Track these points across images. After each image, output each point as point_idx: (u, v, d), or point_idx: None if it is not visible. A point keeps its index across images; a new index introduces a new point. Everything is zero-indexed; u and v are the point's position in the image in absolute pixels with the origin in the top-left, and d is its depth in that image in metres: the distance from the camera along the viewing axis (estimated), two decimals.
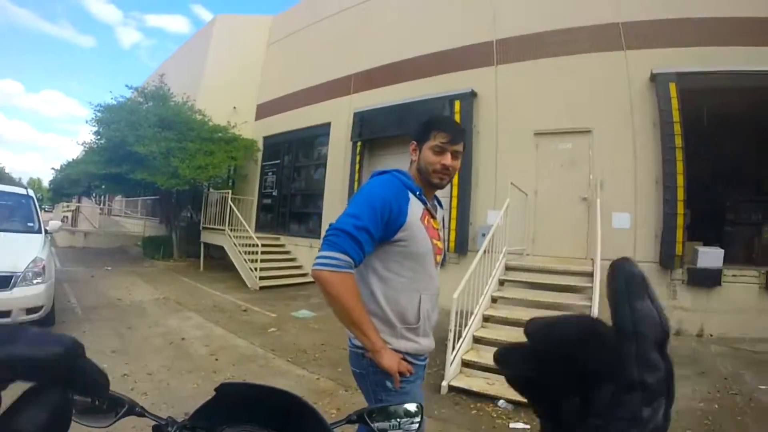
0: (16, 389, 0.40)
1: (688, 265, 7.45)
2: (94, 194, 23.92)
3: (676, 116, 7.52)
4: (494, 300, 6.47)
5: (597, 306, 4.96)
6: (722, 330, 7.08)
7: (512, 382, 0.40)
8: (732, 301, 7.15)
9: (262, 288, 10.64)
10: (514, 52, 9.34)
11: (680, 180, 7.42)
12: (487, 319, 6.00)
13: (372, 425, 1.02)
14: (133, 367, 5.19)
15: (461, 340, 5.31)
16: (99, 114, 12.63)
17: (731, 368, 5.72)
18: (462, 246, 8.93)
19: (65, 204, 29.12)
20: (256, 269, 10.90)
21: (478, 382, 4.94)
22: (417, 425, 1.06)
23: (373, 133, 11.15)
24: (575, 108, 8.51)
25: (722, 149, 10.74)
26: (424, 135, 1.90)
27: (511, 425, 4.16)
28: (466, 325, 5.51)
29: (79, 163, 14.79)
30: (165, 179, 11.94)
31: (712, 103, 8.96)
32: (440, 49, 10.53)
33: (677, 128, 7.49)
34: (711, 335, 7.09)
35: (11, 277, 5.66)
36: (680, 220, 7.37)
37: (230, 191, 12.66)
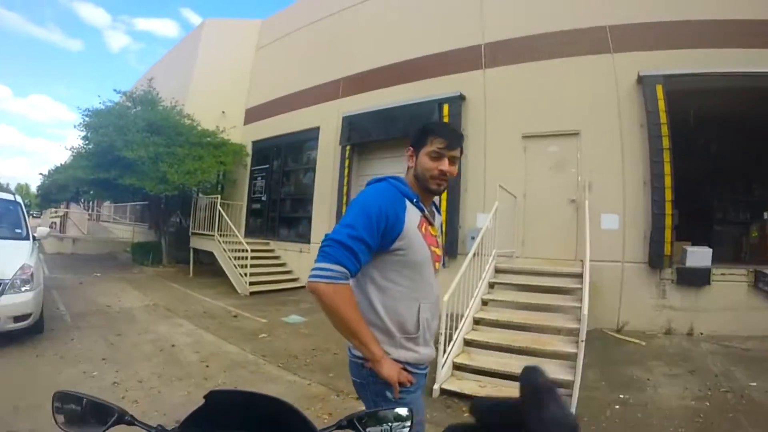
0: None
1: (677, 264, 7.51)
2: (82, 200, 23.79)
3: (663, 118, 7.58)
4: (485, 303, 6.48)
5: (587, 307, 4.97)
6: (712, 328, 7.13)
7: None
8: (721, 299, 7.22)
9: (252, 293, 10.60)
10: (503, 55, 9.38)
11: (668, 181, 7.48)
12: (477, 322, 6.01)
13: (363, 431, 1.02)
14: (123, 374, 5.16)
15: (452, 343, 5.32)
16: (87, 119, 12.53)
17: (722, 366, 5.76)
18: (452, 249, 8.93)
19: (53, 210, 28.88)
20: (245, 275, 10.86)
21: (469, 385, 4.95)
22: (407, 429, 1.06)
23: (362, 137, 11.14)
24: (563, 110, 8.55)
25: (709, 150, 10.87)
26: (421, 141, 1.89)
27: None
28: (456, 329, 5.52)
29: (67, 168, 14.66)
30: (154, 184, 11.87)
31: (698, 105, 9.07)
32: (429, 52, 10.55)
33: (664, 129, 7.55)
34: (701, 334, 7.13)
35: None
36: (668, 221, 7.43)
37: (219, 196, 12.66)
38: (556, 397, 0.39)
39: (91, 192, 16.45)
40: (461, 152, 1.91)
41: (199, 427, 1.01)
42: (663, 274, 7.52)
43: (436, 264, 1.93)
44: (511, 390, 4.76)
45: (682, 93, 7.94)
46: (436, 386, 4.85)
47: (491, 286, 6.92)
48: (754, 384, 5.13)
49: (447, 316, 5.10)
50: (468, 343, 5.62)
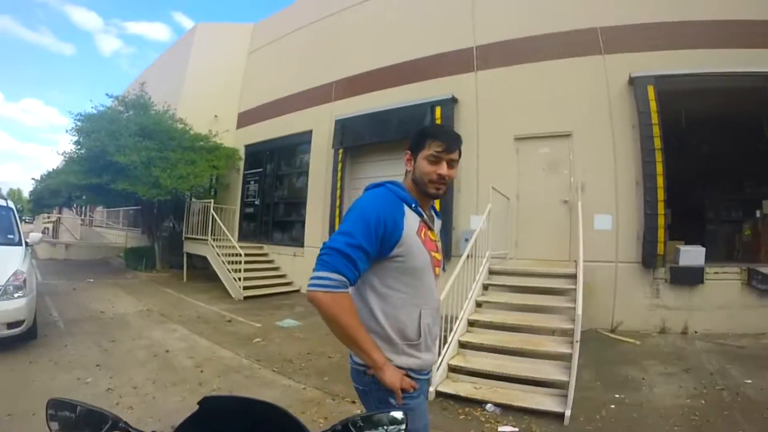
0: None
1: (670, 264, 7.55)
2: (75, 205, 23.64)
3: (654, 118, 7.62)
4: (479, 304, 6.48)
5: (580, 307, 4.98)
6: (706, 327, 7.17)
7: None
8: (715, 298, 7.27)
9: (246, 298, 10.58)
10: (494, 57, 9.41)
11: (660, 181, 7.52)
12: (472, 323, 6.02)
13: None
14: (118, 381, 5.14)
15: (447, 345, 5.33)
16: (79, 123, 12.49)
17: (717, 364, 5.79)
18: (445, 251, 8.90)
19: (46, 215, 28.74)
20: (239, 279, 10.84)
21: (465, 387, 4.95)
22: None
23: (355, 140, 11.14)
24: (555, 112, 8.58)
25: (701, 149, 10.95)
26: (419, 144, 1.86)
27: (500, 429, 4.17)
28: (451, 331, 5.52)
29: (60, 173, 14.57)
30: (146, 189, 11.82)
31: (690, 105, 9.13)
32: (421, 55, 10.57)
33: (656, 130, 7.59)
34: (695, 332, 7.17)
35: None
36: (661, 220, 7.47)
37: (212, 200, 12.61)
38: None
39: (84, 197, 16.32)
40: (459, 155, 1.89)
41: None
42: (656, 273, 7.56)
43: (437, 269, 1.92)
44: (505, 391, 4.79)
45: (673, 93, 7.99)
46: (431, 389, 4.83)
47: (485, 287, 6.93)
48: (749, 381, 5.15)
49: (442, 318, 5.09)
50: (463, 345, 5.63)
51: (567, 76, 8.57)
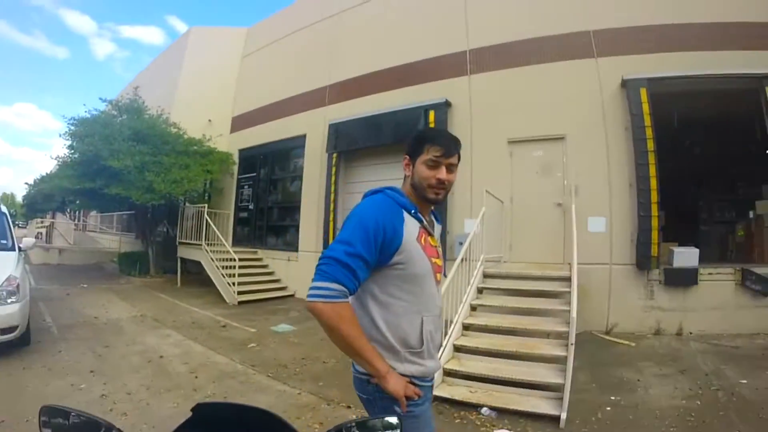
0: None
1: (664, 265, 7.58)
2: (68, 210, 23.55)
3: (647, 120, 7.66)
4: (473, 308, 6.49)
5: (575, 310, 4.99)
6: (701, 327, 7.19)
7: None
8: (709, 298, 7.29)
9: (240, 303, 10.55)
10: (488, 61, 9.43)
11: (653, 183, 7.55)
12: (467, 327, 6.01)
13: None
14: (112, 387, 5.12)
15: (442, 349, 5.31)
16: (72, 127, 12.41)
17: (712, 365, 5.81)
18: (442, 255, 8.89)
19: (39, 220, 28.59)
20: (234, 284, 10.80)
21: (460, 391, 4.94)
22: None
23: (349, 144, 11.13)
24: (548, 115, 8.61)
25: (694, 151, 11.00)
26: (417, 149, 1.83)
27: None
28: (446, 335, 5.51)
29: (53, 177, 14.53)
30: (140, 194, 11.77)
31: (682, 107, 9.18)
32: (414, 59, 10.59)
33: (649, 132, 7.62)
34: (690, 333, 7.19)
35: None
36: (655, 222, 7.50)
37: (206, 205, 12.58)
38: None
39: (77, 202, 16.30)
40: (459, 159, 1.86)
41: None
42: (651, 275, 7.58)
43: (438, 275, 1.89)
44: (501, 395, 4.78)
45: (666, 96, 8.04)
46: None
47: (480, 291, 6.92)
48: (744, 381, 5.17)
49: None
50: (458, 348, 5.62)
51: (560, 79, 8.59)
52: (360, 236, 1.63)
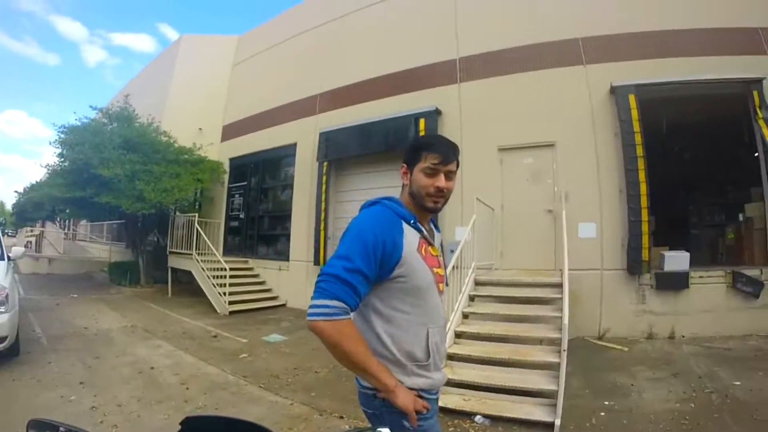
0: None
1: (655, 269, 7.61)
2: (58, 218, 23.39)
3: (636, 126, 7.71)
4: (465, 316, 6.48)
5: (567, 316, 5.00)
6: (693, 330, 7.23)
7: None
8: (701, 301, 7.33)
9: (231, 313, 10.49)
10: (477, 69, 9.48)
11: (643, 188, 7.59)
12: (459, 335, 6.01)
13: None
14: (102, 398, 5.07)
15: None
16: (62, 135, 12.33)
17: (705, 367, 5.83)
18: None
19: (29, 229, 28.39)
20: (225, 294, 10.75)
21: (453, 399, 4.93)
22: None
23: (339, 152, 11.12)
24: (538, 122, 8.66)
25: (683, 155, 11.09)
26: (414, 157, 1.79)
27: None
28: None
29: (43, 186, 14.41)
30: (130, 203, 11.70)
31: (671, 112, 9.26)
32: (404, 68, 10.63)
33: (638, 138, 7.68)
34: (683, 336, 7.23)
35: None
36: (645, 227, 7.54)
37: (197, 214, 12.55)
38: None
39: (67, 210, 16.20)
40: (457, 165, 1.83)
41: None
42: (642, 279, 7.61)
43: (440, 285, 1.85)
44: (494, 402, 4.78)
45: (654, 101, 8.10)
46: None
47: (471, 298, 6.92)
48: (738, 383, 5.19)
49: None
50: (450, 357, 5.60)
51: (549, 86, 8.65)
52: (359, 251, 1.59)
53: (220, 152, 15.29)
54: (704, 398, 4.88)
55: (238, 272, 11.98)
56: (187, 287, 13.17)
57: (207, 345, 7.82)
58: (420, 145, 1.82)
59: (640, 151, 7.65)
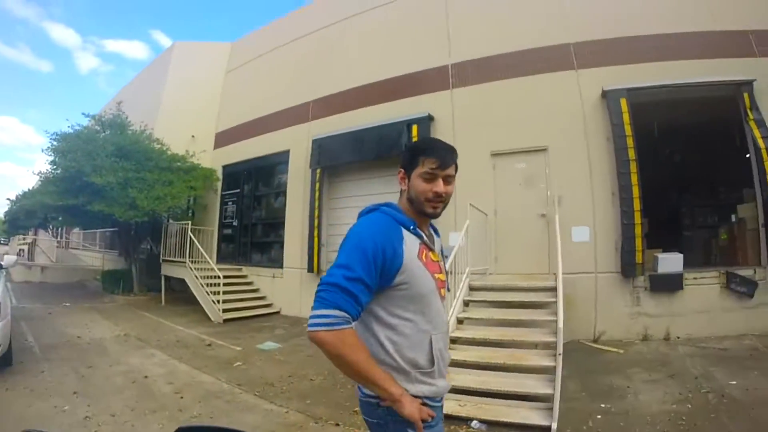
0: None
1: (649, 272, 7.63)
2: (51, 226, 23.26)
3: (628, 130, 7.75)
4: (460, 321, 6.48)
5: (561, 320, 5.00)
6: (688, 331, 7.25)
7: None
8: (695, 302, 7.36)
9: (225, 321, 10.45)
10: (469, 75, 9.52)
11: (636, 191, 7.63)
12: (454, 341, 5.99)
13: None
14: (96, 408, 5.02)
15: None
16: (55, 143, 12.25)
17: (701, 368, 5.83)
18: None
19: (21, 237, 28.20)
20: (218, 302, 10.70)
21: (449, 405, 4.90)
22: None
23: (332, 159, 11.11)
24: (530, 127, 8.69)
25: (675, 158, 11.13)
26: (412, 162, 1.76)
27: None
28: None
29: (35, 193, 14.28)
30: (123, 211, 11.65)
31: (662, 116, 9.32)
32: (397, 74, 10.65)
33: (630, 141, 7.72)
34: (678, 337, 7.24)
35: None
36: (638, 230, 7.57)
37: (190, 222, 12.48)
38: None
39: (60, 218, 16.11)
40: (456, 169, 1.78)
41: None
42: (636, 282, 7.63)
43: (442, 291, 1.82)
44: (491, 407, 4.76)
45: (646, 105, 8.16)
46: None
47: (466, 304, 6.91)
48: (734, 382, 5.20)
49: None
50: None
51: (541, 91, 8.69)
52: (359, 259, 1.56)
53: (213, 159, 15.25)
54: (701, 399, 4.88)
55: (231, 280, 11.95)
56: (180, 295, 13.09)
57: (201, 353, 7.77)
58: (417, 150, 1.78)
59: (632, 154, 7.69)
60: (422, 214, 1.77)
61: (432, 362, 1.72)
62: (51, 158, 12.33)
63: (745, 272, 7.29)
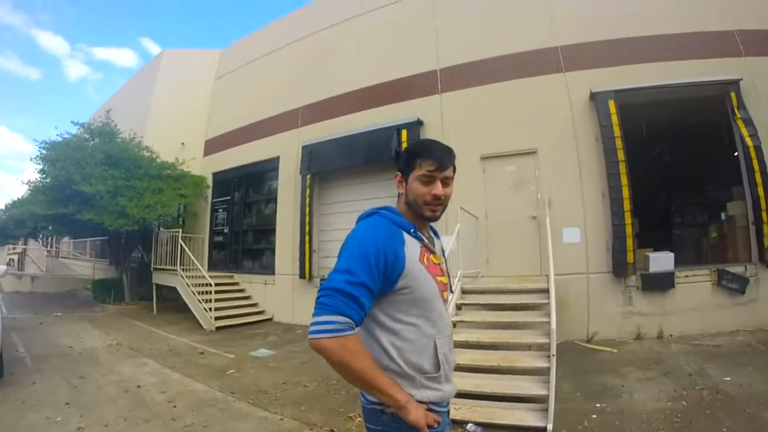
0: None
1: (640, 271, 7.68)
2: (40, 236, 23.09)
3: (616, 131, 7.80)
4: (453, 324, 6.44)
5: (554, 321, 5.01)
6: (681, 329, 7.29)
7: None
8: (687, 300, 7.41)
9: (218, 329, 10.40)
10: (458, 79, 9.55)
11: (625, 191, 7.67)
12: None
13: None
14: (88, 419, 4.99)
15: None
16: (44, 151, 12.17)
17: (694, 365, 5.87)
18: None
19: (11, 246, 27.97)
20: (210, 309, 10.66)
21: None
22: None
23: (322, 165, 11.10)
24: (519, 130, 8.73)
25: (664, 158, 11.22)
26: (409, 164, 1.73)
27: None
28: None
29: (24, 203, 14.15)
30: (113, 219, 11.59)
31: (650, 116, 9.41)
32: (386, 79, 10.68)
33: (619, 143, 7.77)
34: (671, 336, 7.29)
35: None
36: (629, 230, 7.61)
37: (181, 230, 12.44)
38: None
39: (50, 228, 15.99)
40: (454, 170, 1.75)
41: None
42: (628, 281, 7.67)
43: (444, 293, 1.80)
44: (486, 410, 4.76)
45: (634, 106, 8.22)
46: None
47: (458, 307, 6.89)
48: (728, 379, 5.24)
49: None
50: None
51: (530, 94, 8.74)
52: (361, 263, 1.53)
53: (203, 167, 15.18)
54: (695, 395, 4.90)
55: (223, 287, 11.91)
56: (172, 304, 13.02)
57: (194, 362, 7.72)
58: (414, 152, 1.75)
59: (621, 155, 7.73)
60: (421, 217, 1.76)
61: (438, 367, 1.69)
62: (40, 167, 12.23)
63: (736, 269, 7.36)
